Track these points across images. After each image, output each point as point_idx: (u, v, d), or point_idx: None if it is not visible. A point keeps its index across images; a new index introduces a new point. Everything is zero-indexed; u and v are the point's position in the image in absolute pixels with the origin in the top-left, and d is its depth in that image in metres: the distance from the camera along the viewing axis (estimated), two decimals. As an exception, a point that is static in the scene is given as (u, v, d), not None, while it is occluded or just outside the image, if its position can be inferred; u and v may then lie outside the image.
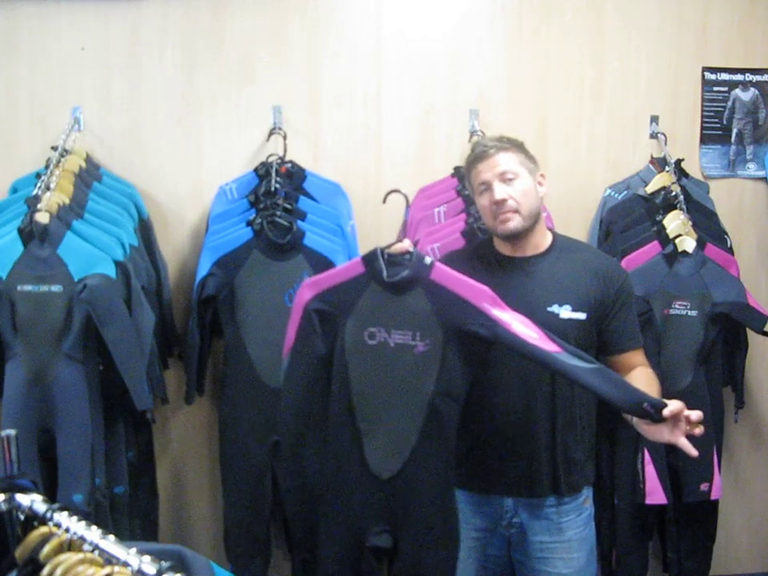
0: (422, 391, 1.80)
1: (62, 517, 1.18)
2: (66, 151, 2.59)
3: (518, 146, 2.02)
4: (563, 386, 1.97)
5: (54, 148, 2.58)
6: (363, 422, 1.82)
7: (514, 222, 1.96)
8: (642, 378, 1.91)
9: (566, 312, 1.94)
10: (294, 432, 1.92)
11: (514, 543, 2.06)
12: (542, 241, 2.03)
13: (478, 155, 2.01)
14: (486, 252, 2.08)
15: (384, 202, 1.87)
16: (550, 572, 2.02)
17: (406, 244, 1.85)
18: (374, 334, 1.81)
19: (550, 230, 2.11)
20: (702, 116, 3.07)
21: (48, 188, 2.42)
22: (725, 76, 3.06)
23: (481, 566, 2.09)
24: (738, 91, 3.07)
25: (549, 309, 1.94)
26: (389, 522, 1.84)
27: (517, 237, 1.99)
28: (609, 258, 2.20)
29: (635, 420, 1.79)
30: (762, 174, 3.10)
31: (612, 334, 1.99)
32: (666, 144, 2.95)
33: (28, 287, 2.33)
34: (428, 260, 1.81)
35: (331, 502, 1.88)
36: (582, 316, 1.94)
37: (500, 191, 1.95)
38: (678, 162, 2.90)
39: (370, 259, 1.84)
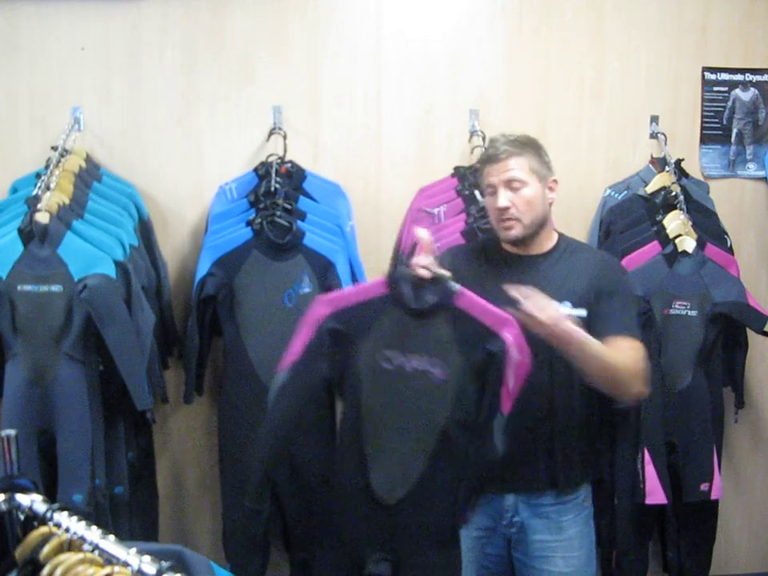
0: (436, 419, 1.76)
1: (62, 517, 1.18)
2: (66, 151, 2.60)
3: (533, 150, 2.00)
4: (562, 380, 1.97)
5: (54, 148, 2.58)
6: (370, 445, 1.77)
7: (515, 231, 1.98)
8: (615, 348, 1.87)
9: (565, 309, 1.94)
10: (268, 454, 1.84)
11: (514, 542, 2.06)
12: (546, 242, 2.04)
13: (489, 157, 2.00)
14: (492, 249, 2.09)
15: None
16: (551, 571, 2.02)
17: (429, 265, 1.76)
18: (390, 357, 1.75)
19: (557, 231, 2.11)
20: (702, 116, 3.07)
21: (48, 188, 2.42)
22: (725, 76, 3.06)
23: (481, 565, 2.09)
24: (738, 91, 3.07)
25: None
26: (390, 549, 1.78)
27: (522, 241, 2.00)
28: (610, 258, 2.21)
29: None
30: (762, 174, 3.10)
31: (599, 319, 1.95)
32: (666, 144, 2.95)
33: (28, 287, 2.33)
34: (455, 286, 1.75)
35: (333, 525, 1.83)
36: (582, 313, 1.94)
37: (503, 199, 1.95)
38: (678, 162, 2.90)
39: (395, 281, 1.77)
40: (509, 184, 1.95)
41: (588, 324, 1.96)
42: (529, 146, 2.00)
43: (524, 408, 1.97)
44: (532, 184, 1.97)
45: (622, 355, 1.88)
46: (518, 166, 1.96)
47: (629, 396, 1.94)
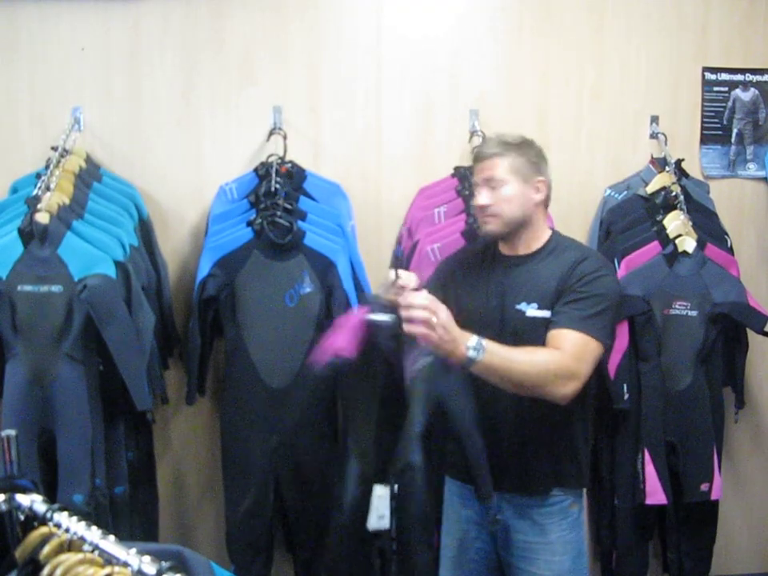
0: None
1: (62, 517, 1.17)
2: (65, 151, 2.59)
3: (519, 150, 1.99)
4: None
5: (54, 148, 2.57)
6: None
7: (490, 227, 2.00)
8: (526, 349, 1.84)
9: (532, 310, 1.94)
10: None
11: (499, 540, 2.06)
12: (535, 242, 2.03)
13: (475, 155, 2.08)
14: (488, 250, 2.10)
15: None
16: (532, 572, 2.01)
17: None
18: None
19: (553, 230, 2.10)
20: (702, 116, 3.07)
21: (48, 188, 2.42)
22: (725, 76, 3.06)
23: (469, 559, 2.10)
24: (738, 91, 3.07)
25: (517, 306, 1.95)
26: None
27: (503, 237, 2.02)
28: (592, 256, 2.05)
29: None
30: (762, 174, 3.10)
31: (553, 315, 1.92)
32: (666, 144, 2.94)
33: (28, 287, 2.33)
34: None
35: None
36: (546, 314, 1.93)
37: (482, 197, 2.00)
38: (678, 162, 2.90)
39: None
40: (488, 183, 1.99)
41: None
42: (516, 146, 2.01)
43: (492, 403, 1.96)
44: (512, 183, 1.98)
45: (532, 356, 1.82)
46: (498, 166, 1.98)
47: (556, 396, 1.84)
